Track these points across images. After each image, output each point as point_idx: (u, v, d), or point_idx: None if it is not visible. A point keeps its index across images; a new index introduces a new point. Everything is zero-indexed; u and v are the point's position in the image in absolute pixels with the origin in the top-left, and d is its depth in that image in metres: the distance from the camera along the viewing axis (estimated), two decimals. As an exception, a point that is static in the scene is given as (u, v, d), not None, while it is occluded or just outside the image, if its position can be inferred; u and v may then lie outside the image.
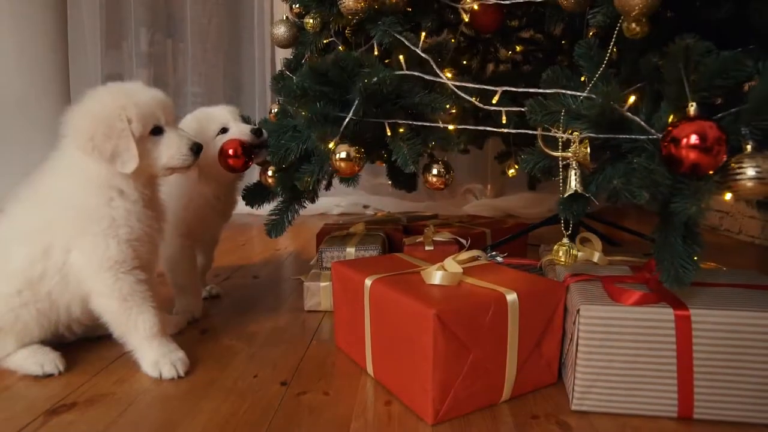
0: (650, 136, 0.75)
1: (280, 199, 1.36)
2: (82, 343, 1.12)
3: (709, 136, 0.66)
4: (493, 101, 0.97)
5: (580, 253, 0.92)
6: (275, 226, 1.33)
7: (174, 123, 1.06)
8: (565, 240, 0.86)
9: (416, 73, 1.06)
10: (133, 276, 0.99)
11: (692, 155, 0.67)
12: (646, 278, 0.91)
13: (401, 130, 1.09)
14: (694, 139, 0.67)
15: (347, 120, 1.07)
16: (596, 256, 0.96)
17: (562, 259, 0.85)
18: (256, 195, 1.41)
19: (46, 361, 0.99)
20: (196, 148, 1.05)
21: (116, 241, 0.97)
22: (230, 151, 1.23)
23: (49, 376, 0.98)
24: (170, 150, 1.02)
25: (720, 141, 0.67)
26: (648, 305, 0.81)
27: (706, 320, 0.79)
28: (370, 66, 1.06)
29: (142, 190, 1.01)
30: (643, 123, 0.75)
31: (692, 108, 0.69)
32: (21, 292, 0.98)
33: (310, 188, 1.19)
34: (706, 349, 0.79)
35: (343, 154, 1.08)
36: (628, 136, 0.78)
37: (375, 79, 1.01)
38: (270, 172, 1.31)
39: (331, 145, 1.09)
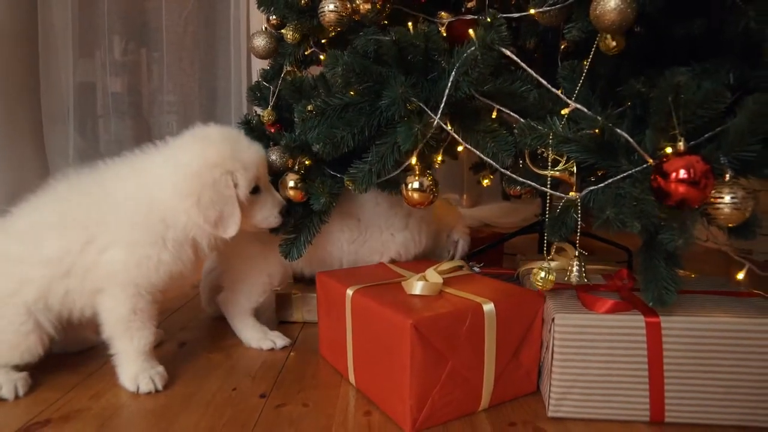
0: (642, 167, 0.77)
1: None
2: (56, 356, 1.09)
3: (697, 170, 0.68)
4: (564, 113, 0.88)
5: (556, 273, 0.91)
6: (293, 247, 1.13)
7: (268, 179, 1.06)
8: (546, 265, 0.86)
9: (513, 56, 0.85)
10: (152, 296, 0.98)
11: (681, 189, 0.69)
12: (618, 286, 0.94)
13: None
14: (683, 173, 0.69)
15: (445, 95, 0.86)
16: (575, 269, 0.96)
17: (540, 284, 0.86)
18: None
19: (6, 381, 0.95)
20: (285, 212, 1.07)
21: (158, 270, 0.95)
22: None
23: (4, 400, 0.94)
24: (264, 212, 1.04)
25: (707, 174, 0.69)
26: (620, 313, 0.83)
27: (675, 326, 0.81)
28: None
29: (217, 246, 1.02)
30: (640, 150, 0.76)
31: (681, 143, 0.71)
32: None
33: (365, 191, 1.00)
34: (675, 355, 0.82)
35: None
36: (613, 163, 0.80)
37: (476, 54, 0.83)
38: (292, 182, 1.09)
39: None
